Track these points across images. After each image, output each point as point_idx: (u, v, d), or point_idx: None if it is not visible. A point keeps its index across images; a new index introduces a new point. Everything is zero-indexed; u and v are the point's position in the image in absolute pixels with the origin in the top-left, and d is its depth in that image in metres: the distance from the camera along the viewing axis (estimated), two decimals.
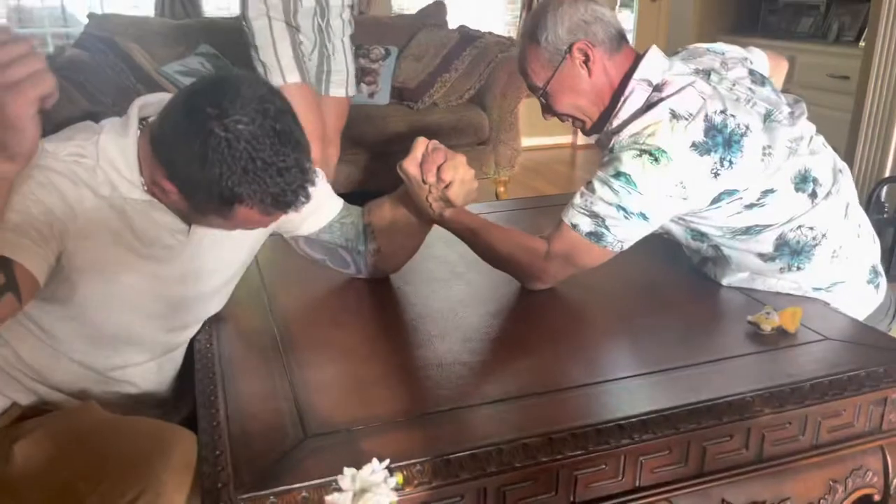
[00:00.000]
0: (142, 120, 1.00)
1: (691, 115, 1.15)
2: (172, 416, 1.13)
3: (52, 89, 0.65)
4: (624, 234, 1.20)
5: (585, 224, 1.20)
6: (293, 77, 2.33)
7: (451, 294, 1.31)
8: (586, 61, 1.26)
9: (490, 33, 3.58)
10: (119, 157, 0.95)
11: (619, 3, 4.98)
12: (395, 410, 0.95)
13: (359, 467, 0.80)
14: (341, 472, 0.79)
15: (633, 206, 1.17)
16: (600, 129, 1.34)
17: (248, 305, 1.23)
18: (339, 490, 0.71)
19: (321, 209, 1.22)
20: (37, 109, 0.65)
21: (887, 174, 2.66)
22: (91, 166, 0.94)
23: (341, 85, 2.45)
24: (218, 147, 0.84)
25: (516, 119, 3.48)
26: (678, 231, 1.30)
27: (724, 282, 1.29)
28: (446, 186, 1.14)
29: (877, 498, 1.10)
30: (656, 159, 1.14)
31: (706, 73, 1.23)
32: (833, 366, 1.05)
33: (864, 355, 1.08)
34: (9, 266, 0.80)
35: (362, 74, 3.41)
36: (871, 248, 1.31)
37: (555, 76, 1.28)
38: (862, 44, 3.14)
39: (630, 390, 1.01)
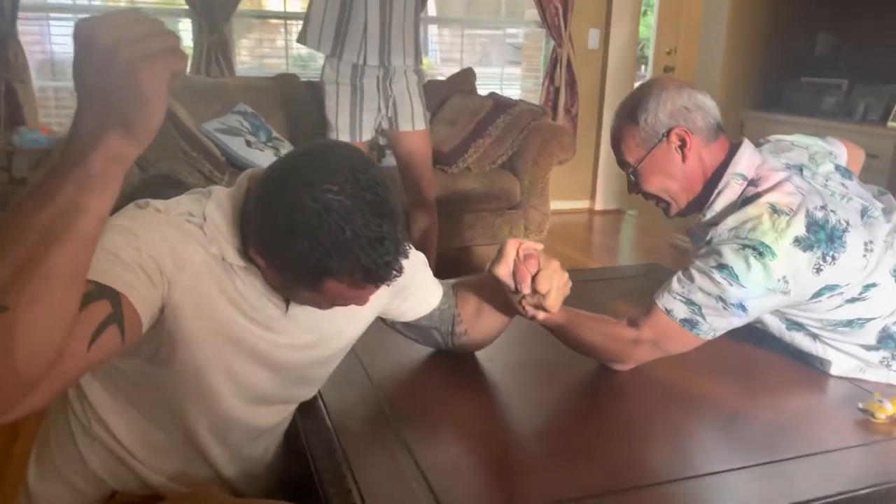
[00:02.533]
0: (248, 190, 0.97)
1: (792, 210, 1.17)
2: (277, 493, 1.10)
3: (184, 67, 0.63)
4: (719, 324, 1.21)
5: (680, 311, 1.20)
6: (344, 137, 2.75)
7: (542, 376, 1.29)
8: (682, 146, 1.28)
9: (522, 101, 3.66)
10: (223, 223, 0.92)
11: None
12: (540, 496, 0.93)
13: None
14: None
15: (733, 298, 1.17)
16: (685, 214, 1.36)
17: (348, 378, 1.21)
18: None
19: (427, 299, 1.20)
20: (167, 86, 0.61)
21: None
22: (200, 225, 0.91)
23: (408, 120, 2.77)
24: (307, 219, 0.81)
25: (546, 185, 3.53)
26: (772, 322, 1.30)
27: (833, 371, 1.28)
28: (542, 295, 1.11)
29: None
30: (760, 254, 1.15)
31: (798, 169, 1.25)
32: None
33: None
34: (117, 298, 0.76)
35: None
36: None
37: (648, 156, 1.31)
38: (891, 123, 3.23)
39: (768, 478, 0.99)
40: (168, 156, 3.02)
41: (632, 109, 1.30)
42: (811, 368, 1.31)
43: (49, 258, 0.61)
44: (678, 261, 4.09)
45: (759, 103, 3.94)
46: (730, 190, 1.25)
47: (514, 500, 0.93)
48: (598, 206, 5.07)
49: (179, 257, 0.87)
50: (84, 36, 0.59)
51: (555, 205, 4.71)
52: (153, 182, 1.67)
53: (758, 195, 1.20)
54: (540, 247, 1.13)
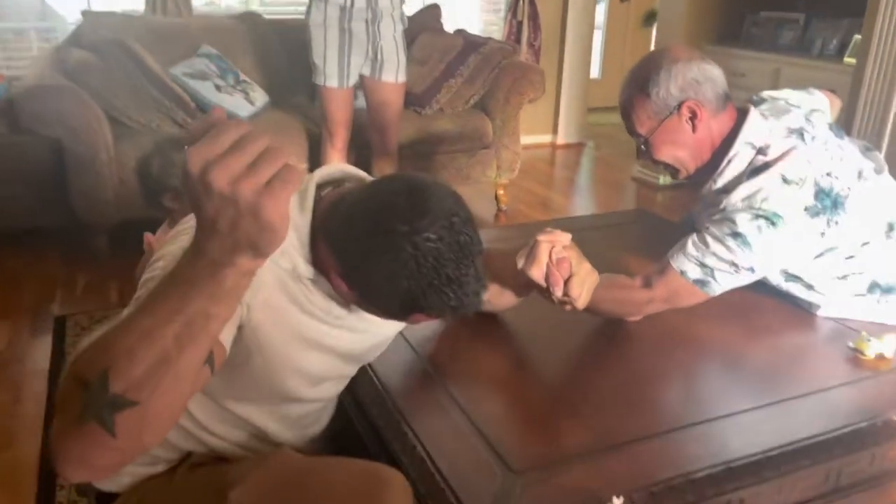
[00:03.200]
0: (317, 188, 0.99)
1: (802, 179, 1.26)
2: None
3: (300, 183, 0.61)
4: (728, 283, 1.31)
5: (694, 272, 1.30)
6: (332, 82, 2.76)
7: (560, 330, 1.38)
8: (692, 118, 1.35)
9: (492, 39, 3.65)
10: (294, 237, 0.94)
11: None
12: (582, 442, 1.03)
13: (577, 503, 0.89)
14: None
15: (744, 263, 1.27)
16: (694, 179, 1.44)
17: (390, 345, 1.26)
18: None
19: None
20: (288, 205, 0.61)
21: None
22: None
23: (392, 72, 2.79)
24: (406, 265, 0.84)
25: (517, 124, 3.57)
26: (774, 275, 1.40)
27: (820, 313, 1.41)
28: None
29: None
30: (773, 223, 1.25)
31: (800, 133, 1.34)
32: None
33: None
34: None
35: None
36: None
37: (660, 128, 1.37)
38: (847, 59, 3.36)
39: (775, 418, 1.11)
40: (138, 104, 2.95)
41: (643, 82, 1.35)
42: (802, 310, 1.44)
43: (181, 360, 0.66)
44: (640, 193, 4.23)
45: (719, 38, 4.02)
46: (740, 158, 1.33)
47: (560, 448, 1.03)
48: (561, 140, 5.14)
49: (254, 279, 0.90)
50: (198, 176, 0.59)
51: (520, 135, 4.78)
52: (165, 145, 1.66)
53: (767, 165, 1.28)
54: (568, 238, 1.17)
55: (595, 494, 0.92)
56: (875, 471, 1.13)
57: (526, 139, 4.89)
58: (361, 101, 2.98)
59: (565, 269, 1.15)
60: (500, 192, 3.70)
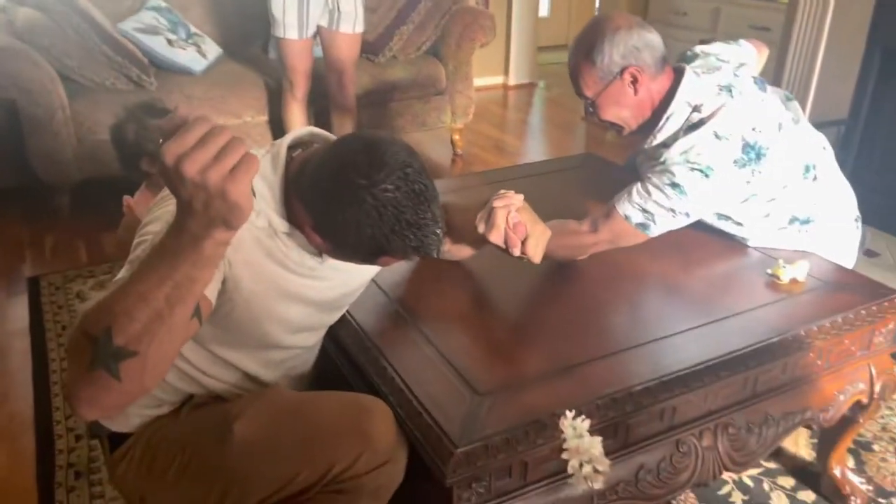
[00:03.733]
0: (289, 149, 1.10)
1: (731, 134, 1.41)
2: None
3: (257, 167, 0.73)
4: (666, 226, 1.46)
5: (637, 216, 1.45)
6: (292, 34, 2.81)
7: (515, 269, 1.52)
8: (634, 82, 1.48)
9: None
10: (269, 195, 1.06)
11: None
12: (538, 367, 1.19)
13: (531, 418, 1.06)
14: (521, 424, 1.04)
15: (681, 208, 1.43)
16: (636, 134, 1.58)
17: (364, 290, 1.39)
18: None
19: None
20: (250, 185, 0.73)
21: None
22: None
23: (349, 23, 2.86)
24: (369, 214, 0.95)
25: (470, 69, 3.66)
26: (707, 216, 1.56)
27: (750, 244, 1.58)
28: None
29: (864, 401, 1.46)
30: (706, 175, 1.40)
31: (728, 90, 1.47)
32: (837, 308, 1.37)
33: (856, 296, 1.41)
34: None
35: None
36: (852, 199, 1.65)
37: (604, 91, 1.50)
38: None
39: (703, 338, 1.29)
40: (91, 62, 2.94)
41: (588, 50, 1.48)
42: (732, 242, 1.61)
43: (172, 316, 0.81)
44: (590, 132, 4.38)
45: None
46: (677, 116, 1.47)
47: (520, 373, 1.19)
48: (512, 81, 5.23)
49: (234, 238, 0.96)
50: (172, 168, 0.71)
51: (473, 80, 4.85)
52: (137, 111, 1.71)
53: (702, 121, 1.43)
54: (521, 199, 1.30)
55: (550, 410, 1.08)
56: (787, 378, 1.33)
57: (478, 81, 4.96)
58: (319, 52, 3.03)
59: (521, 231, 1.28)
60: (456, 136, 3.81)
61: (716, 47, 1.64)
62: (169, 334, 0.82)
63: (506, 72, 5.23)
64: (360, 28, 2.91)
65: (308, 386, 1.32)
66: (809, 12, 3.01)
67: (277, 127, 3.24)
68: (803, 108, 3.09)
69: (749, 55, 1.67)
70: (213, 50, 3.37)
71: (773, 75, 3.18)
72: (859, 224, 1.67)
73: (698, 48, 1.63)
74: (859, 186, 2.94)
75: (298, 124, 3.06)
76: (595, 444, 0.88)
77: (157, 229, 0.98)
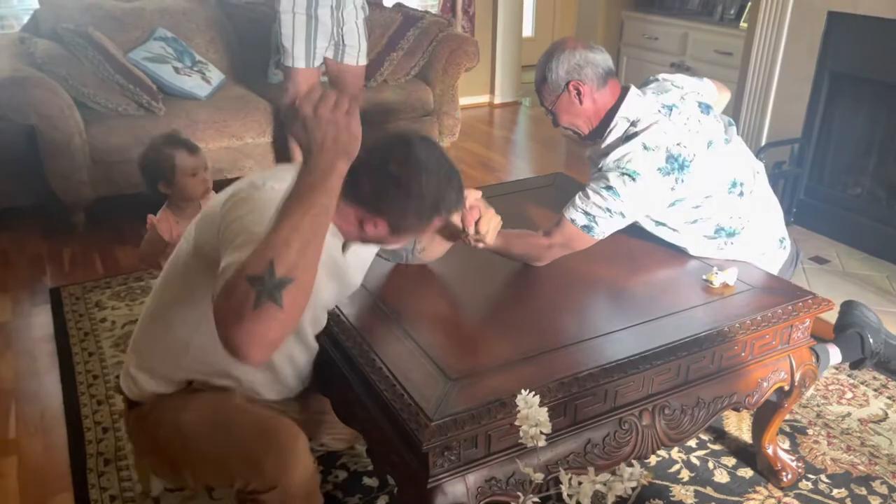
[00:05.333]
0: None
1: (658, 147, 1.67)
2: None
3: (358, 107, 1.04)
4: (607, 228, 1.71)
5: (581, 219, 1.70)
6: (300, 63, 3.05)
7: (482, 274, 1.78)
8: (578, 94, 1.75)
9: (428, 13, 3.95)
10: None
11: None
12: (501, 356, 1.43)
13: (494, 398, 1.29)
14: (485, 403, 1.28)
15: (615, 208, 1.68)
16: (590, 139, 1.83)
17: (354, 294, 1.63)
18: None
19: None
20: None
21: (764, 140, 3.32)
22: None
23: (353, 56, 3.12)
24: (427, 177, 1.25)
25: (456, 92, 3.91)
26: (645, 221, 1.81)
27: (691, 251, 1.83)
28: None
29: (786, 388, 1.70)
30: (633, 178, 1.66)
31: (669, 109, 1.73)
32: (760, 307, 1.61)
33: (778, 298, 1.65)
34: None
35: None
36: (779, 223, 1.90)
37: (557, 101, 1.78)
38: (742, 24, 3.78)
39: (643, 333, 1.53)
40: (105, 90, 3.19)
41: (542, 68, 1.77)
42: (674, 251, 1.85)
43: (315, 241, 1.02)
44: (570, 149, 4.63)
45: (636, 4, 4.39)
46: (617, 129, 1.73)
47: (485, 361, 1.42)
48: (498, 100, 5.49)
49: None
50: (311, 113, 1.00)
51: (460, 101, 5.11)
52: (157, 141, 1.97)
53: (636, 134, 1.69)
54: (479, 194, 1.57)
55: (510, 392, 1.31)
56: (715, 367, 1.57)
57: (465, 100, 5.24)
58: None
59: (475, 213, 1.58)
60: None
61: (676, 77, 1.89)
62: (314, 259, 1.03)
63: (492, 91, 5.49)
64: (363, 61, 3.16)
65: (305, 380, 1.55)
66: (765, 39, 3.26)
67: (281, 147, 3.47)
68: (762, 127, 3.36)
69: (706, 89, 1.91)
70: (216, 76, 3.62)
71: (734, 97, 3.44)
72: (785, 244, 1.91)
73: (660, 75, 1.89)
74: (811, 199, 3.22)
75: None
76: (542, 412, 1.11)
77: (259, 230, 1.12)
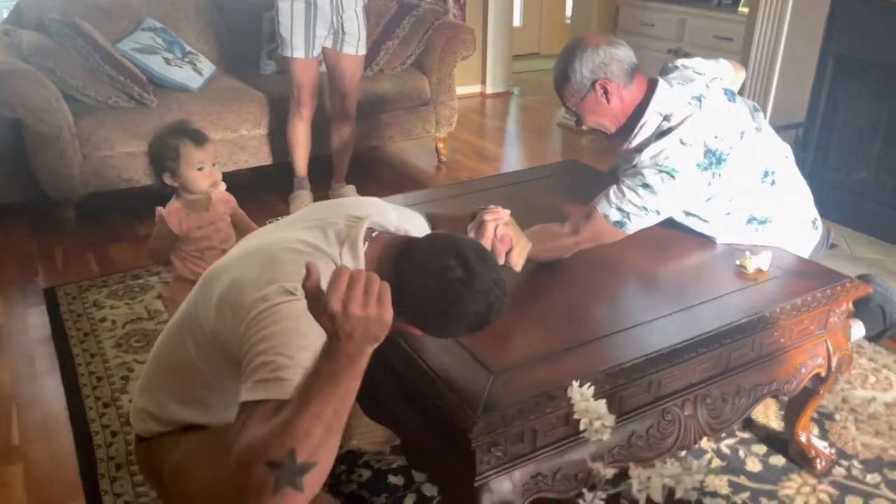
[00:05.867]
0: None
1: (695, 141, 1.61)
2: None
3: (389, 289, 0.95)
4: (640, 224, 1.66)
5: (614, 215, 1.64)
6: (299, 53, 2.96)
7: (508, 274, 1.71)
8: (605, 93, 1.68)
9: (424, 1, 3.87)
10: None
11: None
12: (541, 349, 1.38)
13: (540, 391, 1.24)
14: (531, 396, 1.23)
15: (651, 206, 1.63)
16: (617, 137, 1.77)
17: None
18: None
19: (421, 231, 1.51)
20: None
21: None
22: None
23: (353, 45, 3.03)
24: (478, 310, 1.16)
25: (453, 81, 3.84)
26: (676, 214, 1.75)
27: (721, 240, 1.78)
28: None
29: (823, 374, 1.67)
30: (672, 176, 1.60)
31: (698, 100, 1.68)
32: (797, 292, 1.57)
33: (814, 282, 1.62)
34: None
35: None
36: (810, 204, 1.86)
37: (582, 102, 1.72)
38: (741, 9, 3.75)
39: (681, 321, 1.48)
40: (94, 82, 3.08)
41: (564, 69, 1.70)
42: (701, 238, 1.81)
43: (337, 425, 0.96)
44: (566, 138, 4.59)
45: None
46: (649, 125, 1.67)
47: (525, 354, 1.37)
48: (489, 90, 5.43)
49: None
50: (342, 311, 0.91)
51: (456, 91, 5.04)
52: (162, 132, 1.88)
53: (671, 129, 1.63)
54: (507, 214, 1.47)
55: (555, 384, 1.26)
56: (755, 354, 1.53)
57: (457, 91, 5.18)
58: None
59: (507, 243, 1.47)
60: (440, 144, 3.99)
61: (694, 61, 1.84)
62: (337, 438, 0.98)
63: (483, 81, 5.43)
64: (362, 50, 3.08)
65: None
66: (768, 23, 3.24)
67: (276, 139, 3.39)
68: (765, 113, 3.32)
69: (725, 71, 1.87)
70: (207, 67, 3.52)
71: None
72: (818, 225, 1.88)
73: (679, 62, 1.83)
74: (816, 183, 3.19)
75: (303, 143, 3.23)
76: (601, 405, 1.06)
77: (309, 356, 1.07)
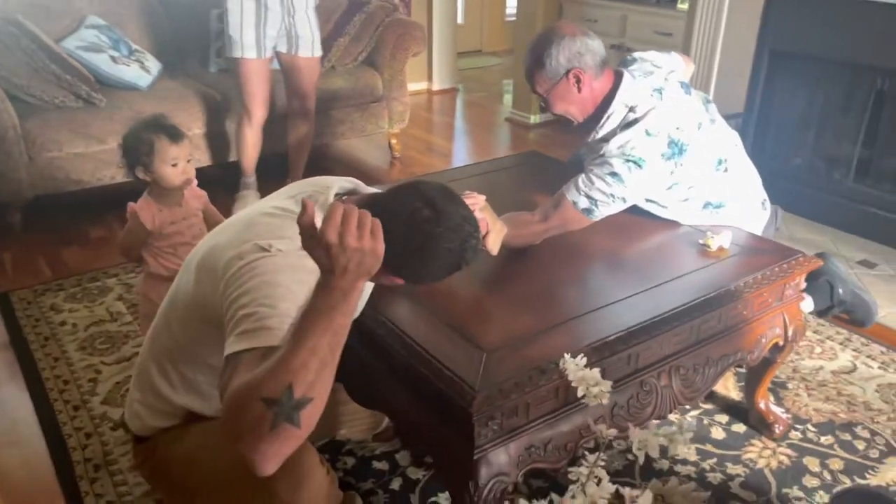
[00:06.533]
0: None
1: (659, 132, 1.70)
2: None
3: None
4: (607, 211, 1.74)
5: (582, 202, 1.72)
6: (250, 53, 2.87)
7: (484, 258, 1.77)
8: (577, 82, 1.75)
9: None
10: None
11: None
12: (528, 326, 1.43)
13: (533, 366, 1.30)
14: (525, 370, 1.28)
15: (619, 194, 1.71)
16: (583, 127, 1.84)
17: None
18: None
19: None
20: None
21: None
22: None
23: (308, 48, 2.97)
24: (449, 244, 1.15)
25: (404, 77, 3.88)
26: (638, 200, 1.84)
27: (683, 221, 1.87)
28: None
29: (781, 343, 1.78)
30: (639, 165, 1.69)
31: (659, 92, 1.77)
32: (756, 267, 1.68)
33: (771, 258, 1.73)
34: None
35: None
36: (758, 187, 1.98)
37: (553, 89, 1.77)
38: (680, 5, 3.91)
39: (654, 297, 1.56)
40: (40, 81, 2.99)
41: (539, 54, 1.74)
42: (664, 221, 1.90)
43: (332, 360, 0.97)
44: (514, 132, 4.68)
45: None
46: (615, 116, 1.75)
47: (516, 332, 1.42)
48: (436, 87, 5.48)
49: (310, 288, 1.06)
50: (337, 242, 0.94)
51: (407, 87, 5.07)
52: (139, 125, 1.85)
53: (636, 120, 1.71)
54: (483, 199, 1.52)
55: (546, 359, 1.32)
56: (722, 326, 1.62)
57: None
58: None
59: (483, 227, 1.52)
60: (393, 141, 4.02)
61: (651, 55, 1.93)
62: (331, 374, 0.98)
63: (429, 78, 5.47)
64: (318, 52, 3.04)
65: None
66: (706, 18, 3.39)
67: (218, 140, 3.35)
68: None
69: (678, 64, 1.97)
70: (154, 65, 3.45)
71: None
72: (766, 205, 2.00)
73: (637, 55, 1.92)
74: (756, 170, 3.33)
75: (253, 148, 3.14)
76: (595, 372, 1.12)
77: (292, 306, 1.08)
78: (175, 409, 1.31)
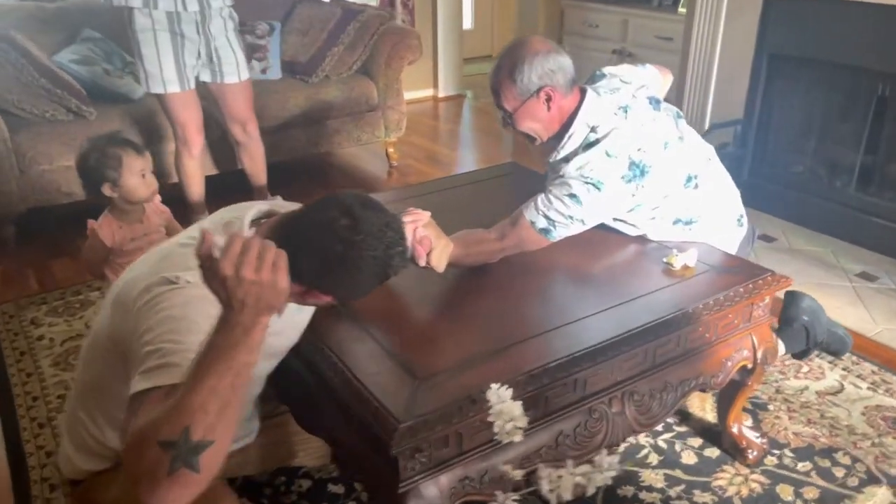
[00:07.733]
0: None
1: (619, 153, 1.64)
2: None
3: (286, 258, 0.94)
4: (565, 232, 1.67)
5: (540, 222, 1.65)
6: (173, 88, 2.67)
7: (445, 271, 1.72)
8: (548, 100, 1.69)
9: (368, 6, 3.87)
10: None
11: None
12: (467, 352, 1.38)
13: (463, 395, 1.25)
14: (454, 401, 1.23)
15: (577, 216, 1.65)
16: (546, 146, 1.79)
17: None
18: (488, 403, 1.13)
19: None
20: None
21: (707, 122, 3.36)
22: None
23: (233, 73, 2.77)
24: (374, 255, 1.12)
25: (400, 85, 3.85)
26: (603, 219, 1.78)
27: (651, 237, 1.80)
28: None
29: (749, 366, 1.71)
30: (597, 187, 1.63)
31: (624, 110, 1.70)
32: (721, 287, 1.61)
33: (738, 277, 1.65)
34: None
35: (252, 51, 3.59)
36: (735, 202, 1.90)
37: (522, 106, 1.71)
38: (681, 9, 3.82)
39: (608, 319, 1.51)
40: (30, 95, 3.02)
41: (510, 69, 1.68)
42: (631, 237, 1.84)
43: (235, 400, 0.92)
44: (517, 141, 4.61)
45: None
46: (577, 136, 1.69)
47: (452, 359, 1.38)
48: (442, 94, 5.45)
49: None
50: (233, 275, 0.90)
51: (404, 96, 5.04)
52: (99, 142, 1.86)
53: (597, 141, 1.65)
54: (428, 216, 1.49)
55: (480, 387, 1.27)
56: (681, 350, 1.56)
57: (409, 95, 5.17)
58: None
59: (427, 244, 1.48)
60: (391, 150, 3.99)
61: (622, 69, 1.87)
62: (235, 414, 0.94)
63: (435, 84, 5.44)
64: (245, 75, 2.81)
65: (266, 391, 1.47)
66: (704, 23, 3.30)
67: (213, 151, 3.34)
68: (705, 109, 3.40)
69: (652, 77, 1.91)
70: None
71: (677, 81, 3.47)
72: (743, 222, 1.92)
73: (606, 69, 1.86)
74: (755, 178, 3.27)
75: (198, 182, 2.95)
76: (516, 407, 1.08)
77: (198, 339, 1.03)
78: (104, 449, 1.29)
